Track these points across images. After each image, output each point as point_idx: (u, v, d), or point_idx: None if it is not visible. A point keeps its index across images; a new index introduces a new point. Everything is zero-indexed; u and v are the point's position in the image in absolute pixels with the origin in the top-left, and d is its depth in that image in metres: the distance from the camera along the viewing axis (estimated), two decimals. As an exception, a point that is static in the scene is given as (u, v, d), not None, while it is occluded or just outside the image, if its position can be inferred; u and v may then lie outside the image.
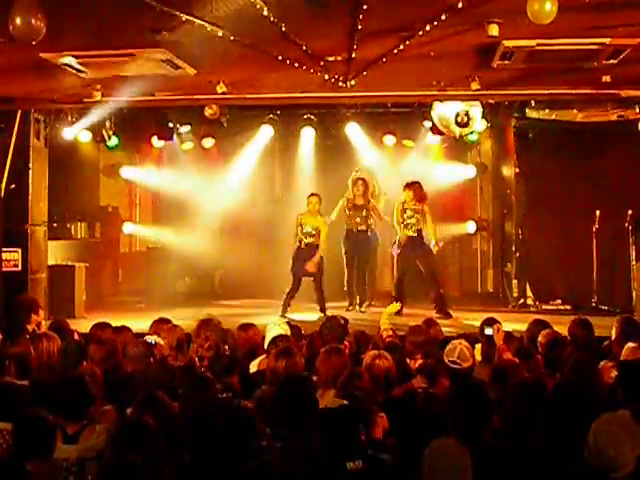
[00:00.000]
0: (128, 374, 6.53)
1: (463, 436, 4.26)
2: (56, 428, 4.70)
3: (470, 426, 4.40)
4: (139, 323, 9.23)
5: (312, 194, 12.91)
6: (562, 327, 7.77)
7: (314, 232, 12.59)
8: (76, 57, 8.41)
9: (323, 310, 12.41)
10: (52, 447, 4.57)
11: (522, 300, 13.63)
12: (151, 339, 6.84)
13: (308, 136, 15.21)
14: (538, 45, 7.99)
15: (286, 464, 4.05)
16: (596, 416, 4.32)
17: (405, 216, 12.64)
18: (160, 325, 7.72)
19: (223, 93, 9.76)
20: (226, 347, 7.32)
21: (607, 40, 7.87)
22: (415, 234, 12.64)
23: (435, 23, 7.14)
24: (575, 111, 12.33)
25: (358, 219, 13.09)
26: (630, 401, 4.64)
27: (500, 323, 7.35)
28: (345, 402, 5.04)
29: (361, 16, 6.94)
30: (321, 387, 5.67)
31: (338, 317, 8.00)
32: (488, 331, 7.07)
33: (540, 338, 7.02)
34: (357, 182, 13.18)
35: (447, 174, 15.59)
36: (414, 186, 12.73)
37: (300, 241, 12.63)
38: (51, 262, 12.55)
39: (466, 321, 11.24)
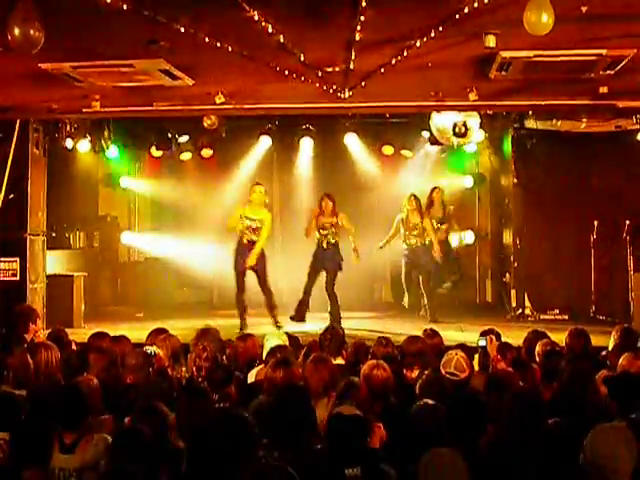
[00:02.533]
0: (126, 384, 6.53)
1: (459, 446, 4.26)
2: (53, 437, 4.70)
3: (466, 436, 4.41)
4: (137, 333, 9.24)
5: (257, 183, 12.52)
6: (560, 337, 7.78)
7: (258, 225, 12.01)
8: (74, 67, 8.43)
9: (275, 319, 11.99)
10: (49, 456, 4.57)
11: (520, 310, 13.65)
12: (150, 349, 6.85)
13: (306, 146, 15.25)
14: (535, 56, 8.01)
15: (282, 473, 4.05)
16: (592, 426, 4.32)
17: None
18: (156, 335, 7.73)
19: (221, 104, 9.78)
20: (224, 357, 7.33)
21: (604, 51, 7.89)
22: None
23: (432, 34, 7.16)
24: (573, 122, 12.36)
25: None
26: (625, 413, 4.65)
27: (495, 334, 7.38)
28: (356, 411, 5.02)
29: (359, 27, 6.97)
30: (312, 398, 5.64)
31: (337, 327, 7.99)
32: (482, 342, 7.17)
33: (537, 348, 7.03)
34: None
35: (445, 184, 15.64)
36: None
37: (241, 237, 12.07)
38: (49, 272, 12.55)
39: (464, 331, 11.25)
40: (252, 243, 11.92)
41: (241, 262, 11.92)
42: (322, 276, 12.40)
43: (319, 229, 12.32)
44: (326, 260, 12.32)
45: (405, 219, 13.01)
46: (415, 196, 13.15)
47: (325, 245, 12.31)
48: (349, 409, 4.92)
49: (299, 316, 12.16)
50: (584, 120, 12.10)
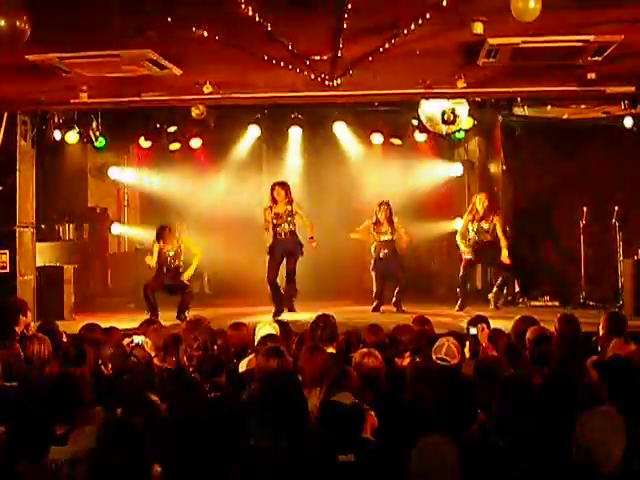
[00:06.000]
0: (117, 375, 6.53)
1: (450, 432, 4.27)
2: (50, 430, 4.70)
3: (457, 422, 4.43)
4: (128, 324, 9.23)
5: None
6: (550, 323, 7.79)
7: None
8: (61, 58, 8.40)
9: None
10: (46, 449, 4.57)
11: (510, 297, 13.66)
12: (138, 339, 6.86)
13: (295, 135, 15.24)
14: (523, 43, 8.02)
15: (273, 462, 4.07)
16: (582, 411, 4.34)
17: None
18: (148, 326, 7.74)
19: (210, 93, 9.77)
20: (215, 347, 7.32)
21: (591, 37, 7.91)
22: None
23: (420, 21, 7.17)
24: (561, 108, 12.37)
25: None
26: (615, 398, 4.67)
27: (486, 322, 7.37)
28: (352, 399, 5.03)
29: (346, 15, 6.97)
30: (307, 386, 5.65)
31: (330, 315, 7.97)
32: (473, 331, 7.15)
33: (527, 334, 7.04)
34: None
35: (434, 172, 15.66)
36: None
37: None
38: (39, 264, 12.52)
39: (453, 318, 11.27)
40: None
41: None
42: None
43: (275, 219, 12.25)
44: (287, 248, 12.31)
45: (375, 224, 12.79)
46: (387, 203, 12.80)
47: (283, 235, 12.26)
48: (346, 397, 4.94)
49: (288, 307, 12.26)
50: (572, 107, 12.10)
